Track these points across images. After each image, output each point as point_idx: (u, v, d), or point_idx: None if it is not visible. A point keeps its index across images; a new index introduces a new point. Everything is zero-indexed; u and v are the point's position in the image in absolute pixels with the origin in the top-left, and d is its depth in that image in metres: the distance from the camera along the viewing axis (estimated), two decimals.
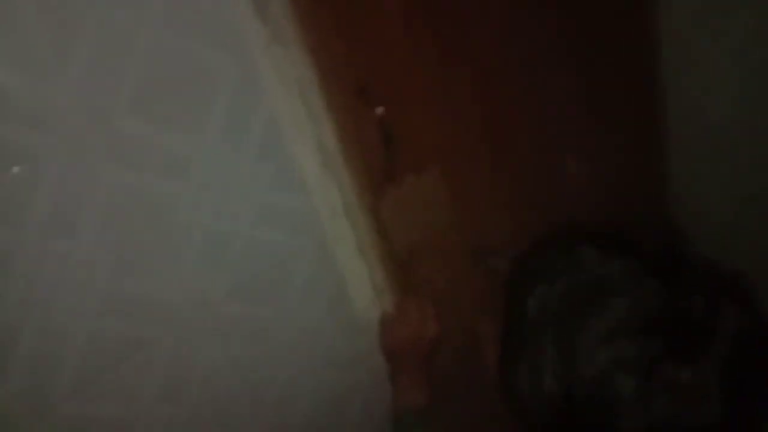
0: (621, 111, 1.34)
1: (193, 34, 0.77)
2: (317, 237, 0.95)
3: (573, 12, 1.17)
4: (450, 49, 1.02)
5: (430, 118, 1.02)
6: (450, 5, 1.00)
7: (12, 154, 0.70)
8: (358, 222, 0.95)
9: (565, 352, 0.60)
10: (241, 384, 0.95)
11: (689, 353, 0.57)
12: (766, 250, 1.47)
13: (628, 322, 0.58)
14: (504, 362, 0.67)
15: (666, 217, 1.56)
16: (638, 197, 1.44)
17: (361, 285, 1.00)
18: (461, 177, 1.09)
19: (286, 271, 0.94)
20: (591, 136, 1.27)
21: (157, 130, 0.78)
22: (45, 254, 0.74)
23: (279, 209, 0.90)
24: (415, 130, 1.00)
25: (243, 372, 0.95)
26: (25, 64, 0.68)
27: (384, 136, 0.96)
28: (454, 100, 1.05)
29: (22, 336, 0.75)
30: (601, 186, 1.32)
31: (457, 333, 1.08)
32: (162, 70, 0.76)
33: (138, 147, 0.77)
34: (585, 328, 0.59)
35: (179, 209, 0.82)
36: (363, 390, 1.08)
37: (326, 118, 0.88)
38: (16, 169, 0.70)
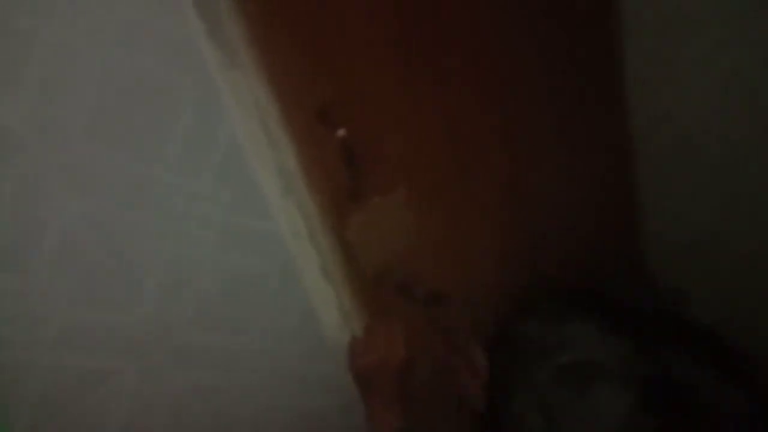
0: (588, 125, 1.35)
1: (150, 56, 0.76)
2: (282, 261, 0.94)
3: (538, 27, 1.18)
4: (415, 67, 1.02)
5: (396, 137, 1.02)
6: (413, 24, 1.00)
7: None
8: (322, 245, 0.94)
9: None
10: (209, 413, 0.93)
11: None
12: (741, 268, 1.47)
13: (632, 416, 0.54)
14: None
15: (634, 237, 1.56)
16: (606, 211, 1.45)
17: (329, 308, 0.99)
18: (428, 197, 1.08)
19: (251, 296, 0.93)
20: (559, 153, 1.28)
21: (114, 154, 0.77)
22: (0, 285, 0.73)
23: (242, 233, 0.89)
24: (380, 150, 1.00)
25: (211, 401, 0.93)
26: None
27: (347, 157, 0.95)
28: (419, 118, 1.05)
29: None
30: (569, 202, 1.32)
31: (429, 355, 1.07)
32: (118, 94, 0.75)
33: (94, 172, 0.76)
34: (583, 420, 0.56)
35: (138, 236, 0.81)
36: (335, 414, 1.06)
37: (286, 141, 0.88)
38: None
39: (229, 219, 0.88)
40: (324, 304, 0.98)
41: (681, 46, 1.37)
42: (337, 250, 0.95)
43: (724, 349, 0.59)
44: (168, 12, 0.77)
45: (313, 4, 0.86)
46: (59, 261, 0.76)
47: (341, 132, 0.91)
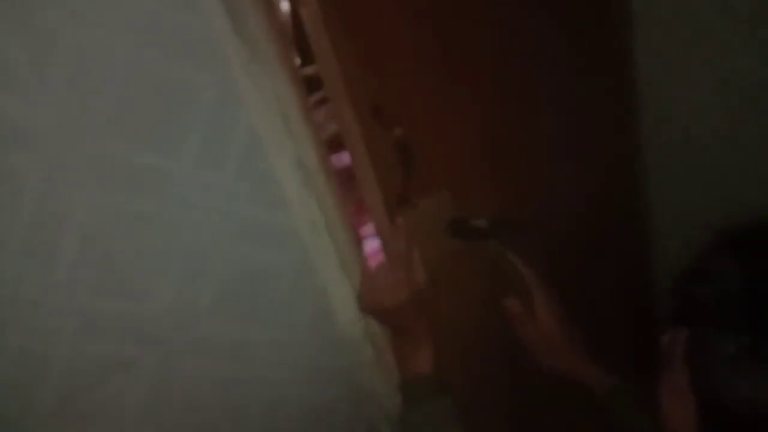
0: (597, 125, 1.36)
1: (172, 51, 0.77)
2: (299, 253, 0.95)
3: (552, 29, 1.19)
4: (454, 66, 1.02)
5: (439, 138, 1.02)
6: (452, 22, 1.01)
7: None
8: (340, 238, 0.95)
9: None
10: (224, 402, 0.94)
11: None
12: None
13: None
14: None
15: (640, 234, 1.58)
16: (613, 209, 1.47)
17: (344, 301, 1.00)
18: (468, 197, 1.09)
19: (268, 287, 0.94)
20: (570, 152, 1.29)
21: (136, 148, 0.78)
22: (23, 275, 0.74)
23: (259, 225, 0.90)
24: (426, 151, 0.99)
25: (226, 390, 0.94)
26: (3, 84, 0.68)
27: (403, 158, 0.94)
28: (458, 120, 1.05)
29: (0, 358, 0.74)
30: (578, 200, 1.33)
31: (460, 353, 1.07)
32: (140, 88, 0.76)
33: (116, 165, 0.77)
34: None
35: (158, 227, 0.82)
36: (346, 406, 1.07)
37: (306, 135, 0.89)
38: None
39: (248, 212, 0.89)
40: (340, 297, 0.99)
41: (688, 46, 1.38)
42: (353, 243, 0.96)
43: None
44: (190, 7, 0.78)
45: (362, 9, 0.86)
46: (80, 252, 0.77)
47: (398, 131, 0.90)
